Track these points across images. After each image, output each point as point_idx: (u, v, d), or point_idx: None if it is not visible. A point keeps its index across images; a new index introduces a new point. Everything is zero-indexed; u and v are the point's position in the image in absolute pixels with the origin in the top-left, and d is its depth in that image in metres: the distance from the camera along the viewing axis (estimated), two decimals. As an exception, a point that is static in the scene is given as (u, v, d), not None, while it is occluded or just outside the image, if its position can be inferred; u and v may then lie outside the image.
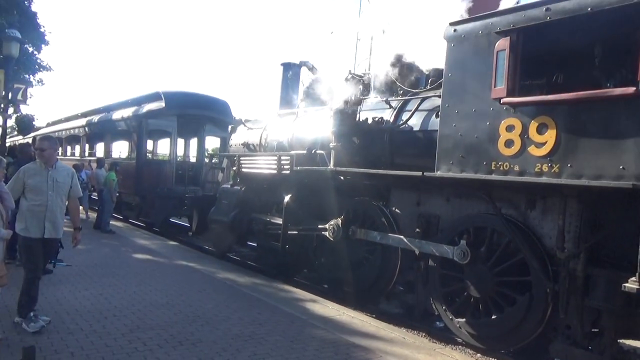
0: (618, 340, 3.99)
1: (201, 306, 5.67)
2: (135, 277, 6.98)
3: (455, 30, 5.26)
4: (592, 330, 4.44)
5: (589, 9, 4.14)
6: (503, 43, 4.71)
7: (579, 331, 4.41)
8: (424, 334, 5.83)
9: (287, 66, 10.14)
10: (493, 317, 5.07)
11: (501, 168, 4.66)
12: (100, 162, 13.43)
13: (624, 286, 3.75)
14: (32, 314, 4.62)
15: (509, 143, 4.60)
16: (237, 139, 10.18)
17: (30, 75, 16.98)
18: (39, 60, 16.55)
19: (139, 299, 5.81)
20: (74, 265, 7.38)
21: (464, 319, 5.27)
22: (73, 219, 5.14)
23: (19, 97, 10.09)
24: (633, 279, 3.73)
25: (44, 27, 16.54)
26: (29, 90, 15.95)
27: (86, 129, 17.82)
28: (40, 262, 4.83)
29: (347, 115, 6.78)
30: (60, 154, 19.26)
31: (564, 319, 4.52)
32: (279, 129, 8.89)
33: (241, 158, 8.95)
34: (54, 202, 4.73)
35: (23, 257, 4.90)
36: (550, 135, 4.30)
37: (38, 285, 4.82)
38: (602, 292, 4.18)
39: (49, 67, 16.75)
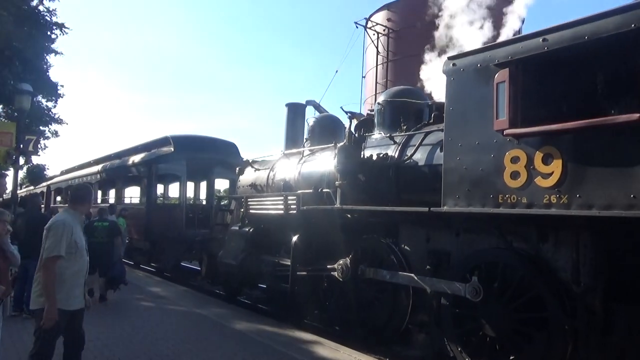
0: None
1: (208, 355, 5.50)
2: (142, 326, 6.84)
3: (454, 65, 5.26)
4: (618, 369, 4.19)
5: (586, 37, 4.12)
6: (502, 75, 4.68)
7: (603, 371, 4.16)
8: (440, 377, 5.57)
9: (292, 106, 10.26)
10: (511, 357, 4.82)
11: (508, 201, 4.53)
12: (112, 208, 13.49)
13: (646, 321, 3.55)
14: None
15: (514, 175, 4.49)
16: (245, 180, 10.19)
17: (45, 128, 17.44)
18: (51, 113, 17.07)
19: (145, 350, 5.66)
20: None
21: (481, 361, 5.02)
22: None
23: (30, 148, 10.28)
24: (655, 313, 3.53)
25: (55, 80, 17.16)
26: (44, 142, 16.40)
27: (98, 176, 18.06)
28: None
29: (352, 152, 6.74)
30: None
31: (586, 358, 4.28)
32: (285, 169, 8.89)
33: (248, 199, 8.91)
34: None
35: (42, 334, 3.82)
36: (556, 166, 4.19)
37: None
38: (624, 328, 3.96)
39: (60, 119, 17.24)
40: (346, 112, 9.24)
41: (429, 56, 7.75)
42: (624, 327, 4.00)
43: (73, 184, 19.57)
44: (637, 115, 3.73)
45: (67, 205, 4.17)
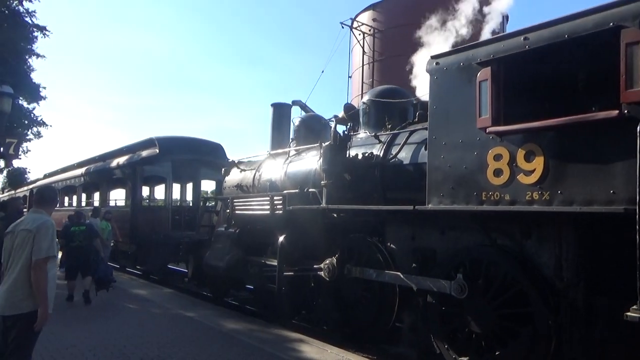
0: None
1: (194, 357, 5.45)
2: (127, 329, 6.76)
3: (437, 63, 5.30)
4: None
5: (566, 36, 4.17)
6: (484, 73, 4.72)
7: (586, 365, 4.21)
8: (427, 374, 5.59)
9: (277, 106, 10.24)
10: (497, 353, 4.86)
11: (492, 198, 4.57)
12: (95, 211, 13.31)
13: (626, 315, 3.59)
14: None
15: (497, 172, 4.53)
16: (231, 180, 10.15)
17: (27, 130, 17.19)
18: (33, 115, 16.85)
19: (129, 353, 5.60)
20: (63, 317, 7.17)
21: (467, 358, 5.05)
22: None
23: (11, 151, 10.11)
24: (634, 307, 3.57)
25: (37, 81, 16.93)
26: (26, 145, 16.13)
27: (82, 178, 17.84)
28: None
29: (337, 152, 6.75)
30: (58, 204, 19.20)
31: (570, 353, 4.32)
32: (271, 169, 8.87)
33: (234, 200, 8.87)
34: None
35: (28, 340, 3.72)
36: (538, 163, 4.24)
37: None
38: (606, 322, 4.01)
39: (43, 121, 17.02)
40: (330, 119, 9.28)
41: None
42: (605, 321, 4.04)
43: (57, 187, 19.31)
44: (616, 112, 3.79)
45: (34, 206, 3.98)
